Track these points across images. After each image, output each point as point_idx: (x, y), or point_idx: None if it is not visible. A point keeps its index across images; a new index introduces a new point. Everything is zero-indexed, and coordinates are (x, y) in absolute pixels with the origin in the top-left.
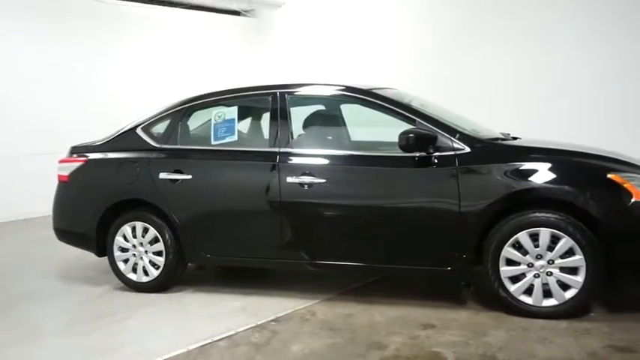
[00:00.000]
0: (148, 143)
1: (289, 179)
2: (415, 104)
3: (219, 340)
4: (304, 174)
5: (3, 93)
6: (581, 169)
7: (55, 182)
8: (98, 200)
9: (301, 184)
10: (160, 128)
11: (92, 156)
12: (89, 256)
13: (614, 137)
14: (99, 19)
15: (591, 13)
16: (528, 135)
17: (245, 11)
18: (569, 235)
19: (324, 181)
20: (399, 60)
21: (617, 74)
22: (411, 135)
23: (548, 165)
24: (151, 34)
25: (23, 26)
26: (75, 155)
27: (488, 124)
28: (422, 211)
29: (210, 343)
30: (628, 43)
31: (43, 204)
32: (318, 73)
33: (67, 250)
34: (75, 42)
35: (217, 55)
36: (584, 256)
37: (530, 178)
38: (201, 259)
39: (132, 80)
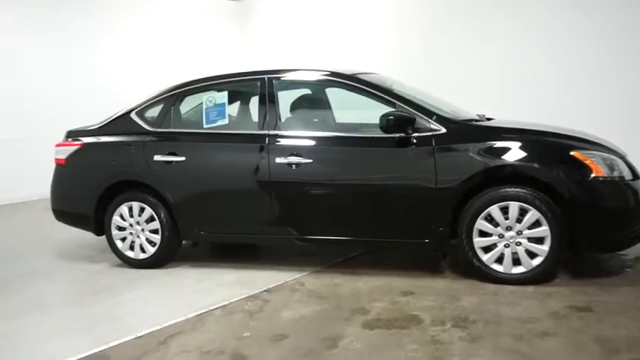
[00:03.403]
0: (142, 127)
1: (278, 160)
2: (396, 88)
3: (216, 308)
4: (292, 154)
5: (3, 79)
6: (548, 148)
7: (52, 165)
8: (95, 182)
9: (289, 164)
10: (154, 112)
11: (88, 140)
12: (85, 237)
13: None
14: (90, 5)
15: (581, 4)
16: (504, 117)
17: None
18: (536, 208)
19: (310, 161)
20: (384, 43)
21: (605, 68)
22: (391, 117)
23: (518, 144)
24: (139, 19)
25: (20, 15)
26: (71, 139)
27: (470, 106)
28: (401, 188)
29: (207, 311)
30: (618, 37)
31: (40, 187)
32: (303, 57)
33: (63, 231)
34: (69, 29)
35: (203, 39)
36: (550, 227)
37: (502, 156)
38: (195, 237)
39: (123, 65)
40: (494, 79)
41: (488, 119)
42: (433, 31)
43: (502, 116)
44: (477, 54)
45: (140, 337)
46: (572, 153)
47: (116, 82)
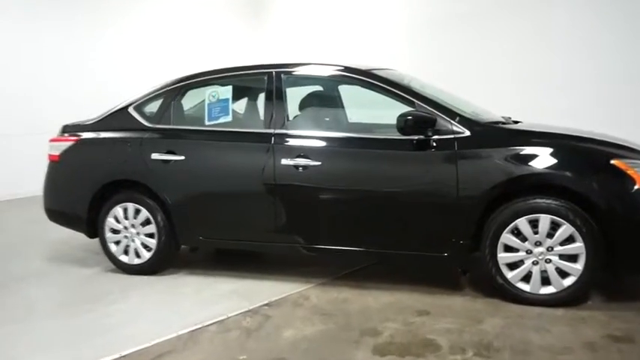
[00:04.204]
0: (141, 123)
1: (284, 161)
2: (415, 86)
3: (211, 324)
4: (299, 156)
5: (3, 74)
6: (584, 155)
7: (46, 162)
8: (89, 180)
9: (296, 167)
10: (153, 107)
11: (83, 135)
12: (79, 237)
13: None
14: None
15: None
16: (529, 119)
17: None
18: (569, 222)
19: (319, 163)
20: (400, 39)
21: (620, 67)
22: (410, 117)
23: (550, 150)
24: (149, 14)
25: (18, 8)
26: (66, 134)
27: (490, 107)
28: (419, 196)
29: (201, 327)
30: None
31: (35, 184)
32: (317, 53)
33: (57, 231)
34: (70, 22)
35: (216, 35)
36: (585, 243)
37: (530, 163)
38: (194, 242)
39: (129, 60)
40: (506, 78)
41: (515, 122)
42: (447, 29)
43: (515, 115)
44: (490, 53)
45: (125, 356)
46: (612, 161)
47: (120, 79)
